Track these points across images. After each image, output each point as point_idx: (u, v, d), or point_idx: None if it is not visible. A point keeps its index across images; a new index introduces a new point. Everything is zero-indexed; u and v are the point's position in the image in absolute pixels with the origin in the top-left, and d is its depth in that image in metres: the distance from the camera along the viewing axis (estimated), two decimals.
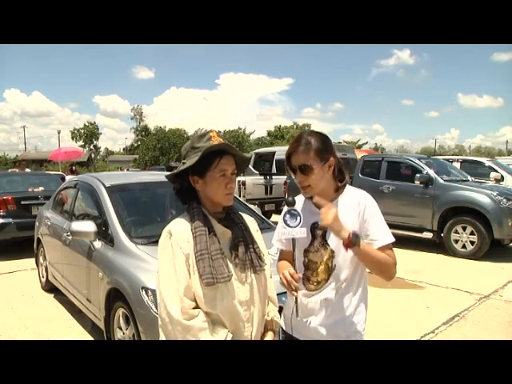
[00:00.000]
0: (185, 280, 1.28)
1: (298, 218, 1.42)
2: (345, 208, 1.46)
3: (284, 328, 1.61)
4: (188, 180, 1.38)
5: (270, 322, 1.48)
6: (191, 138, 1.45)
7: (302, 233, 1.40)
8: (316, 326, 1.49)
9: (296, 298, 1.40)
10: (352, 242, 1.31)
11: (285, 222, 1.42)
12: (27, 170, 10.08)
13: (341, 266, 1.46)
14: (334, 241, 1.45)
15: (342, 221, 1.37)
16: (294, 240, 1.42)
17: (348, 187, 1.53)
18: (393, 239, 1.44)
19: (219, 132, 1.40)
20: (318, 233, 1.49)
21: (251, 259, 1.37)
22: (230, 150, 1.35)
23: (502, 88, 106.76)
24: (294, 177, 1.50)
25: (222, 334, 1.28)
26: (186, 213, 1.39)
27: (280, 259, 1.62)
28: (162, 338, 1.31)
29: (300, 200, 1.58)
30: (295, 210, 1.43)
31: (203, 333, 1.25)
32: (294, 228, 1.40)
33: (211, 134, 1.36)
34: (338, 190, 1.51)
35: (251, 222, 1.52)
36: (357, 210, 1.45)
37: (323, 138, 1.48)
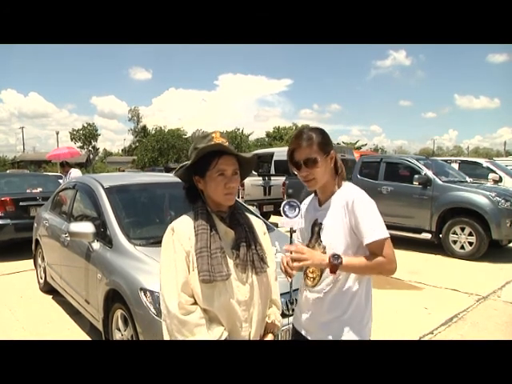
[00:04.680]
0: (183, 276, 1.30)
1: (297, 210, 1.45)
2: (336, 205, 1.47)
3: (295, 325, 1.62)
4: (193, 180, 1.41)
5: (271, 324, 1.48)
6: (195, 138, 1.47)
7: (299, 224, 1.44)
8: (319, 322, 1.49)
9: (290, 284, 1.44)
10: (335, 264, 1.33)
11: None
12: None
13: None
14: (326, 237, 1.47)
15: (331, 220, 1.44)
16: (291, 230, 1.45)
17: (346, 183, 1.53)
18: (384, 235, 1.36)
19: (223, 133, 1.41)
20: (316, 229, 1.51)
21: (252, 260, 1.38)
22: (225, 150, 1.35)
23: (498, 89, 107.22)
24: (297, 173, 1.51)
25: (218, 332, 1.29)
26: (191, 211, 1.42)
27: None
28: (164, 329, 1.34)
29: (309, 198, 1.63)
30: (294, 202, 1.46)
31: (199, 329, 1.26)
32: (292, 219, 1.43)
33: (213, 134, 1.37)
34: (339, 185, 1.52)
35: (259, 225, 1.53)
36: (345, 206, 1.44)
37: (322, 132, 1.50)
